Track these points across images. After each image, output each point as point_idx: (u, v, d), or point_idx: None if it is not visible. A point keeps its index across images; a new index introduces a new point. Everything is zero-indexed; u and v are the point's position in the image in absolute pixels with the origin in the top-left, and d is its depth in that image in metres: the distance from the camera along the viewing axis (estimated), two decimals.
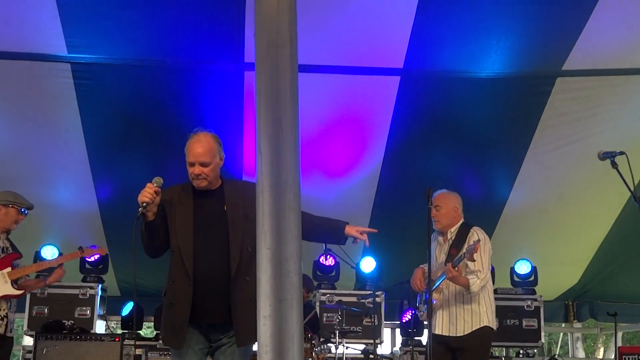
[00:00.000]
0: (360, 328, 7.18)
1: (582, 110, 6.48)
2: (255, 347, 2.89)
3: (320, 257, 7.47)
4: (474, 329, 4.98)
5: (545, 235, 7.76)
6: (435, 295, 5.03)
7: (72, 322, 6.99)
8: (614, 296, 8.40)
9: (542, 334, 7.54)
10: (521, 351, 7.52)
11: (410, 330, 7.22)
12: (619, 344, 8.00)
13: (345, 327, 6.72)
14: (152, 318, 7.56)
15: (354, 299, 7.18)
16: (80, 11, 5.51)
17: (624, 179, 4.35)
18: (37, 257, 7.07)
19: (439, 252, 5.22)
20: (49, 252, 7.12)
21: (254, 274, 2.20)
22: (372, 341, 6.87)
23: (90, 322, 7.14)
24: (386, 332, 8.14)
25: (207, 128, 4.00)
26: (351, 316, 7.05)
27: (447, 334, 5.03)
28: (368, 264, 7.53)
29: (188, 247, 3.82)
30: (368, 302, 7.08)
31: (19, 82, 6.14)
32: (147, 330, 14.11)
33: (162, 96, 6.35)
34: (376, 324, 6.95)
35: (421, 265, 5.29)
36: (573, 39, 5.78)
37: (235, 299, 3.77)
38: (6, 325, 5.25)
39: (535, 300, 7.52)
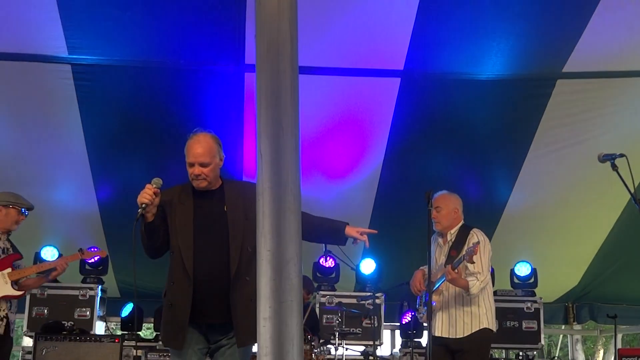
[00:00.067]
0: (360, 329, 7.18)
1: (582, 113, 6.48)
2: (255, 349, 2.89)
3: (320, 259, 7.47)
4: (473, 331, 4.97)
5: (545, 237, 7.76)
6: (434, 297, 5.02)
7: (72, 323, 6.99)
8: (614, 298, 8.40)
9: (542, 335, 7.54)
10: (521, 353, 7.52)
11: (410, 332, 7.22)
12: (619, 346, 8.01)
13: (345, 329, 6.72)
14: (152, 319, 7.56)
15: (353, 301, 7.18)
16: (81, 12, 5.51)
17: (624, 181, 4.35)
18: (37, 258, 7.08)
19: (438, 253, 5.22)
20: (49, 253, 7.12)
21: (254, 274, 2.20)
22: (371, 343, 6.87)
23: (89, 323, 7.14)
24: (386, 334, 8.14)
25: (207, 129, 4.00)
26: (351, 318, 7.05)
27: (447, 336, 5.02)
28: (368, 266, 7.53)
29: (188, 247, 3.83)
30: (368, 304, 7.09)
31: (20, 83, 6.14)
32: (147, 331, 14.12)
33: (163, 97, 6.35)
34: (376, 325, 6.95)
35: (421, 267, 5.29)
36: (573, 41, 5.78)
37: (235, 299, 3.78)
38: (6, 326, 5.25)
39: (535, 302, 7.51)
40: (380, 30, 5.76)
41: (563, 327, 9.63)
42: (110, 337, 6.73)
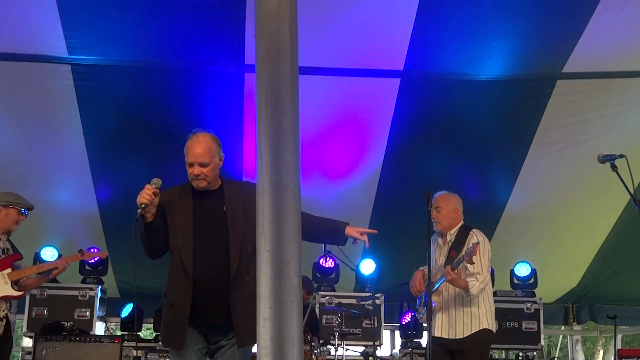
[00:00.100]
0: (360, 330, 7.18)
1: (582, 113, 6.48)
2: (254, 349, 2.89)
3: (320, 259, 7.47)
4: (473, 332, 4.97)
5: (545, 238, 7.76)
6: (434, 298, 5.02)
7: (72, 323, 6.99)
8: (613, 299, 8.40)
9: (542, 336, 7.54)
10: (520, 354, 7.51)
11: (409, 333, 7.22)
12: (619, 346, 8.01)
13: (345, 329, 6.72)
14: (152, 319, 7.56)
15: (353, 301, 7.18)
16: (81, 12, 5.51)
17: (623, 182, 4.35)
18: (37, 259, 7.08)
19: (438, 254, 5.22)
20: (49, 254, 7.12)
21: (254, 274, 2.20)
22: (371, 343, 6.86)
23: (89, 323, 7.14)
24: (386, 334, 8.14)
25: (207, 129, 4.00)
26: (351, 318, 7.05)
27: (447, 337, 5.02)
28: (368, 266, 7.53)
29: (188, 247, 3.83)
30: (368, 304, 7.09)
31: (20, 83, 6.14)
32: (147, 331, 14.12)
33: (162, 98, 6.35)
34: (376, 326, 6.94)
35: (421, 268, 5.29)
36: (573, 41, 5.78)
37: (235, 299, 3.77)
38: (6, 326, 5.25)
39: (535, 302, 7.51)
40: (380, 31, 5.76)
41: (563, 327, 9.62)
42: (110, 337, 6.73)
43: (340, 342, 6.43)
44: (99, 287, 7.32)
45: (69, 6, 5.43)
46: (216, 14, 5.60)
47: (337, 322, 6.89)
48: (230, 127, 6.52)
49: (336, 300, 7.18)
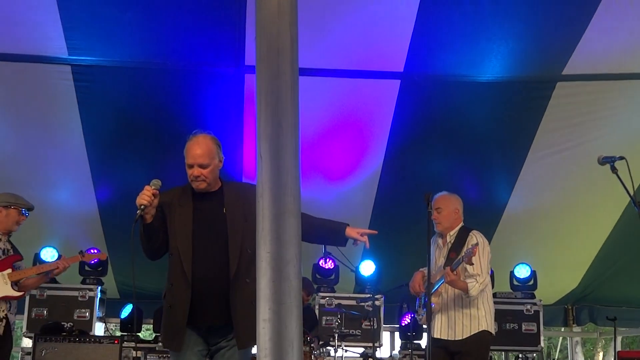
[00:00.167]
0: (360, 331, 7.18)
1: (582, 115, 6.49)
2: (254, 350, 2.89)
3: (319, 260, 7.48)
4: (472, 333, 4.97)
5: (544, 239, 7.76)
6: (434, 299, 5.02)
7: (71, 324, 6.98)
8: (613, 300, 8.40)
9: (542, 338, 7.54)
10: (520, 355, 7.52)
11: (409, 334, 7.22)
12: (618, 348, 8.00)
13: (345, 330, 6.72)
14: (151, 320, 7.56)
15: (353, 302, 7.19)
16: (81, 13, 5.52)
17: (623, 184, 4.36)
18: (37, 259, 7.08)
19: (438, 255, 5.22)
20: (49, 254, 7.12)
21: (254, 276, 2.20)
22: (371, 344, 6.86)
23: (89, 324, 7.14)
24: (385, 336, 8.13)
25: (207, 130, 4.00)
26: (350, 319, 7.05)
27: (446, 338, 5.02)
28: (367, 267, 7.53)
29: (187, 249, 3.82)
30: (367, 306, 7.09)
31: (20, 83, 6.14)
32: (146, 332, 14.12)
33: (162, 98, 6.35)
34: (375, 327, 6.94)
35: (421, 269, 5.29)
36: (573, 43, 5.79)
37: (234, 301, 3.77)
38: (6, 327, 5.25)
39: (535, 304, 7.51)
40: (380, 32, 5.76)
41: (563, 329, 9.64)
42: (109, 338, 6.72)
43: (339, 343, 6.43)
44: (99, 287, 7.31)
45: (69, 7, 5.43)
46: (216, 14, 5.61)
47: (336, 323, 6.90)
48: (230, 128, 6.52)
49: (336, 302, 7.18)
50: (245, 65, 5.98)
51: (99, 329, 7.47)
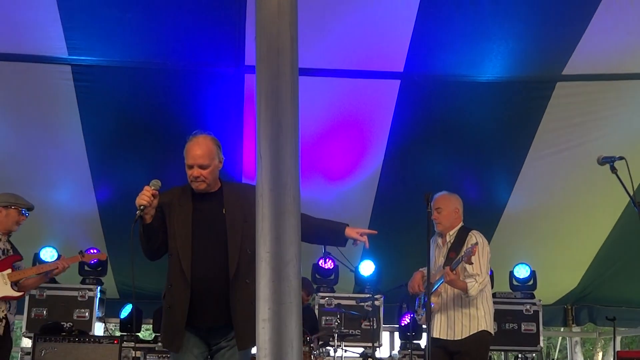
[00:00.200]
0: (359, 331, 7.18)
1: (581, 115, 6.49)
2: (254, 351, 2.89)
3: (319, 260, 7.48)
4: (471, 333, 4.97)
5: (544, 240, 7.76)
6: (433, 299, 5.02)
7: (71, 324, 6.99)
8: (612, 300, 8.40)
9: (541, 338, 7.55)
10: (520, 355, 7.52)
11: (409, 334, 7.23)
12: (618, 348, 8.01)
13: (344, 330, 6.73)
14: (151, 320, 7.56)
15: (353, 302, 7.19)
16: (81, 13, 5.52)
17: (623, 184, 4.36)
18: (36, 259, 7.08)
19: (437, 255, 5.22)
20: (48, 254, 7.12)
21: (254, 276, 2.20)
22: (370, 344, 6.87)
23: (89, 324, 7.14)
24: (385, 336, 8.14)
25: (207, 130, 4.00)
26: (350, 319, 7.05)
27: (445, 338, 5.02)
28: (367, 267, 7.53)
29: (186, 250, 3.82)
30: (367, 306, 7.09)
31: (20, 83, 6.14)
32: (146, 332, 14.12)
33: (162, 99, 6.35)
34: (375, 327, 6.95)
35: (420, 269, 5.29)
36: (573, 43, 5.79)
37: (234, 301, 3.77)
38: (5, 327, 5.25)
39: (534, 304, 7.52)
40: (380, 32, 5.76)
41: (562, 329, 9.64)
42: (109, 338, 6.73)
43: (339, 343, 6.43)
44: (99, 287, 7.31)
45: (69, 7, 5.43)
46: (216, 14, 5.61)
47: (336, 323, 6.90)
48: (230, 128, 6.52)
49: (335, 302, 7.18)
50: (245, 65, 5.98)
51: (98, 329, 7.47)
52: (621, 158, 4.39)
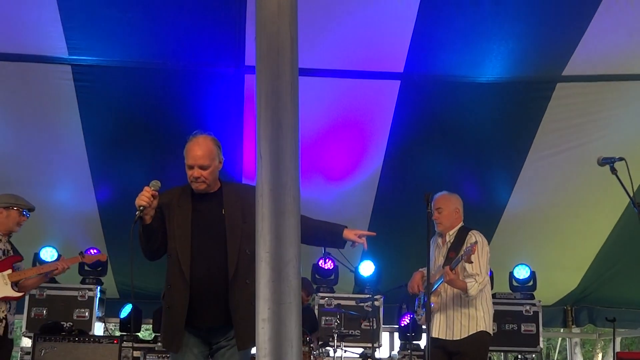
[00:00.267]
0: (359, 331, 7.18)
1: (582, 116, 6.49)
2: (254, 350, 2.88)
3: (319, 261, 7.48)
4: (470, 333, 4.97)
5: (544, 240, 7.77)
6: (433, 299, 5.02)
7: (71, 323, 6.99)
8: (612, 301, 8.40)
9: (541, 339, 7.54)
10: (519, 356, 7.52)
11: (408, 334, 7.22)
12: (618, 349, 8.01)
13: (344, 331, 6.72)
14: (151, 320, 7.56)
15: (352, 303, 7.19)
16: (82, 13, 5.52)
17: (623, 185, 4.36)
18: (36, 259, 7.08)
19: (437, 254, 5.22)
20: (48, 254, 7.12)
21: (254, 277, 2.20)
22: (370, 345, 6.87)
23: (88, 324, 7.14)
24: (385, 336, 8.14)
25: (207, 131, 3.99)
26: (350, 320, 7.05)
27: (444, 337, 5.02)
28: (367, 268, 7.53)
29: (185, 250, 3.82)
30: (367, 306, 7.09)
31: (20, 83, 6.14)
32: (146, 332, 14.12)
33: (163, 99, 6.35)
34: (375, 327, 6.95)
35: (420, 269, 5.29)
36: (573, 44, 5.79)
37: (234, 302, 3.77)
38: (5, 327, 5.26)
39: (534, 305, 7.52)
40: (380, 33, 5.76)
41: (562, 330, 9.65)
42: (109, 338, 6.73)
43: (339, 344, 6.43)
44: (98, 287, 7.31)
45: (69, 7, 5.44)
46: (216, 14, 5.61)
47: (336, 323, 6.90)
48: (230, 129, 6.52)
49: (335, 302, 7.18)
50: (245, 66, 5.98)
51: (98, 329, 7.47)
52: (621, 159, 4.39)
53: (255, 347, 2.19)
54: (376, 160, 6.94)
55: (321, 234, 4.07)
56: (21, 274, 5.37)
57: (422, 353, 6.70)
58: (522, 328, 7.46)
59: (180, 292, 3.79)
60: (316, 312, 7.21)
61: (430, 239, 5.10)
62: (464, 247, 4.96)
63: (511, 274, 7.70)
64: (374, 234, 4.25)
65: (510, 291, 7.68)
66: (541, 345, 7.58)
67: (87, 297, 7.21)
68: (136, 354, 6.83)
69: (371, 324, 6.92)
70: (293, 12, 2.30)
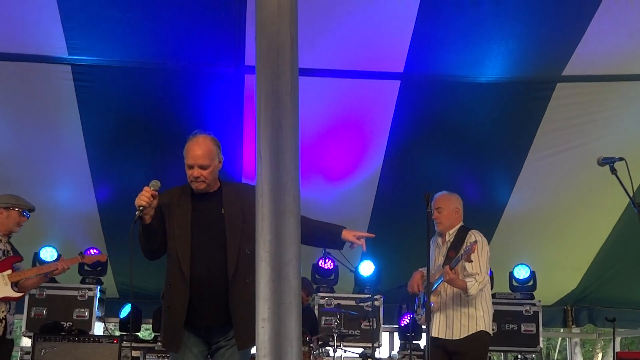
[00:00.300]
0: (359, 331, 7.18)
1: (581, 116, 6.49)
2: (253, 350, 2.88)
3: (319, 261, 7.48)
4: (470, 333, 4.97)
5: (544, 240, 7.77)
6: (433, 298, 5.02)
7: (71, 323, 6.99)
8: (612, 301, 8.40)
9: (541, 339, 7.54)
10: (519, 356, 7.52)
11: (408, 334, 7.22)
12: (618, 349, 8.01)
13: (344, 331, 6.72)
14: (151, 320, 7.56)
15: (352, 303, 7.19)
16: (81, 13, 5.52)
17: (623, 185, 4.36)
18: (36, 259, 7.08)
19: (437, 254, 5.22)
20: (48, 254, 7.12)
21: (254, 276, 2.20)
22: (370, 345, 6.87)
23: (88, 323, 7.14)
24: (384, 336, 8.14)
25: (207, 131, 4.00)
26: (350, 320, 7.05)
27: (444, 337, 5.02)
28: (367, 268, 7.53)
29: (185, 250, 3.82)
30: (367, 306, 7.10)
31: (20, 83, 6.14)
32: (145, 332, 14.11)
33: (162, 99, 6.35)
34: (375, 327, 6.95)
35: (420, 269, 5.29)
36: (573, 44, 5.79)
37: (234, 301, 3.77)
38: (5, 327, 5.26)
39: (534, 305, 7.52)
40: (380, 33, 5.76)
41: (562, 330, 9.65)
42: (108, 337, 6.73)
43: (339, 344, 6.43)
44: (98, 287, 7.31)
45: (69, 6, 5.44)
46: (216, 14, 5.61)
47: (336, 323, 6.90)
48: (230, 129, 6.52)
49: (335, 302, 7.18)
50: (245, 66, 5.98)
51: (98, 329, 7.47)
52: (621, 159, 4.39)
53: (255, 347, 2.19)
54: (376, 160, 6.94)
55: (320, 234, 4.06)
56: (21, 274, 5.37)
57: (422, 353, 6.70)
58: (522, 328, 7.46)
59: (180, 291, 3.79)
60: (316, 312, 7.21)
61: (430, 238, 5.10)
62: (464, 247, 4.96)
63: (511, 274, 7.70)
64: (373, 235, 4.24)
65: (510, 291, 7.68)
66: (541, 345, 7.58)
67: (87, 297, 7.22)
68: (136, 353, 6.83)
69: (371, 323, 6.92)
70: (293, 12, 2.30)
